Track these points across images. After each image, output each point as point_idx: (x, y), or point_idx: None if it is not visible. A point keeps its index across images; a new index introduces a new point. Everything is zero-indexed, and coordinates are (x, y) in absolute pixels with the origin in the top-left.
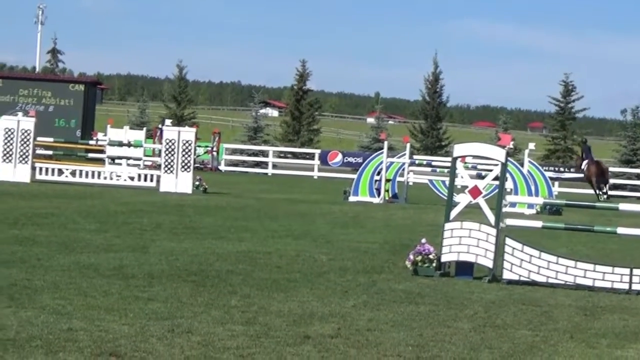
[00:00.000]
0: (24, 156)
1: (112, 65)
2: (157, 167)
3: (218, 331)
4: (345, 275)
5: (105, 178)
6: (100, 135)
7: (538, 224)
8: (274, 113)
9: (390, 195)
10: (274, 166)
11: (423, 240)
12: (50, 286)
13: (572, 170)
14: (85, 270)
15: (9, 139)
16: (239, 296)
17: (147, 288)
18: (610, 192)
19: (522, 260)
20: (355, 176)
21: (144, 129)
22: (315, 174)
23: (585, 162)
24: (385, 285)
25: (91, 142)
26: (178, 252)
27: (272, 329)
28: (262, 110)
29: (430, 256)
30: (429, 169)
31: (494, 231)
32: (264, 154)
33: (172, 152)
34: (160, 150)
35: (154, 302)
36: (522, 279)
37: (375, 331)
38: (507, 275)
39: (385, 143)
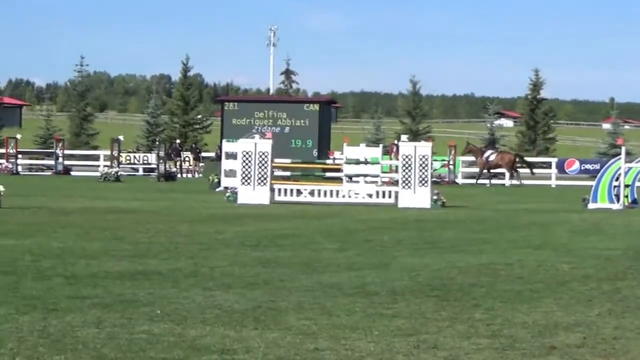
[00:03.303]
0: (262, 178)
1: (346, 84)
2: (395, 183)
3: (463, 345)
4: (588, 284)
5: (343, 196)
6: (337, 154)
7: None
8: (509, 123)
9: (630, 201)
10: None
11: None
12: (295, 307)
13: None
14: (329, 290)
15: (247, 161)
16: (483, 309)
17: (391, 305)
18: None
19: None
20: (593, 183)
21: (380, 145)
22: (553, 182)
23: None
24: (629, 292)
25: (328, 161)
26: (420, 268)
27: (517, 341)
28: (497, 122)
29: None
30: None
31: None
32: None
33: (409, 168)
34: (397, 166)
35: (398, 319)
36: None
37: (621, 339)
38: None
39: (623, 148)
